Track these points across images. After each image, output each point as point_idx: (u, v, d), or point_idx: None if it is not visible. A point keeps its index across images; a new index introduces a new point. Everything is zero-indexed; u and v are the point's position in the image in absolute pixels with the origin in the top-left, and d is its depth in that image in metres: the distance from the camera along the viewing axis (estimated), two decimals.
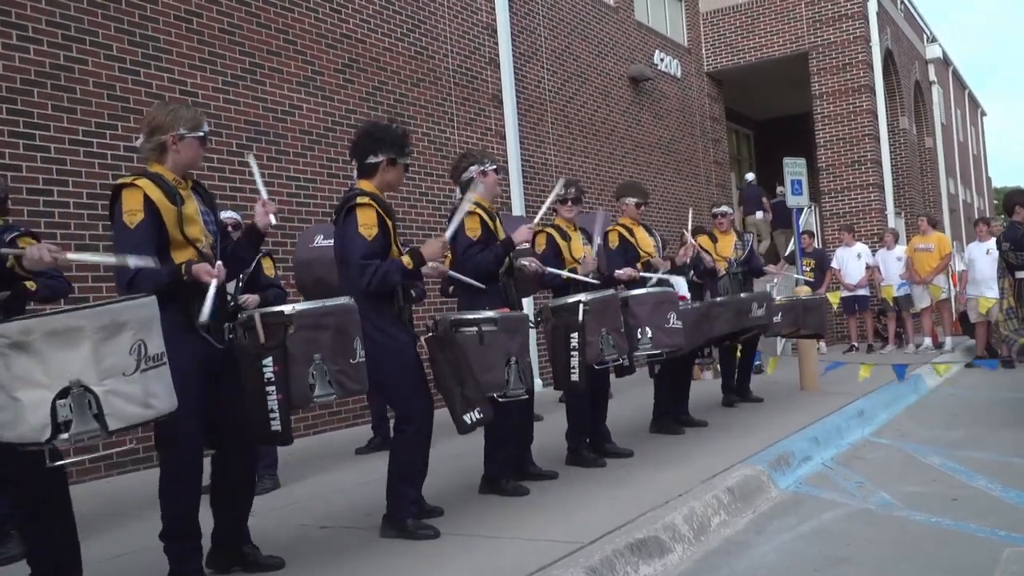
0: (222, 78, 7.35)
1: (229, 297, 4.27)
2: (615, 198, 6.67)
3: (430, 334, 4.05)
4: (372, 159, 4.07)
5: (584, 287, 5.25)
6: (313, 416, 7.69)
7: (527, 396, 4.28)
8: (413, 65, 9.35)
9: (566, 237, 5.63)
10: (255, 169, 3.87)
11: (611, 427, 5.86)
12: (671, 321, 5.57)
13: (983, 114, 36.56)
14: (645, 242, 6.39)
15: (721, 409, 7.57)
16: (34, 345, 2.54)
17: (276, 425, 3.31)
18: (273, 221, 3.65)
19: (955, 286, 11.66)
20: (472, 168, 4.85)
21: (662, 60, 14.74)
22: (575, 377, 4.84)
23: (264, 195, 3.66)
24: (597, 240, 5.61)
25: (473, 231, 4.76)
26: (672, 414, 6.69)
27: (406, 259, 3.95)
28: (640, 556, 3.68)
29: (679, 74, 15.29)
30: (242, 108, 7.49)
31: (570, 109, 12.06)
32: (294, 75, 7.99)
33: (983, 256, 10.91)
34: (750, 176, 15.90)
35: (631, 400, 7.26)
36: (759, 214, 15.07)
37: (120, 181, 3.38)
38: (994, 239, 11.26)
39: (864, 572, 3.68)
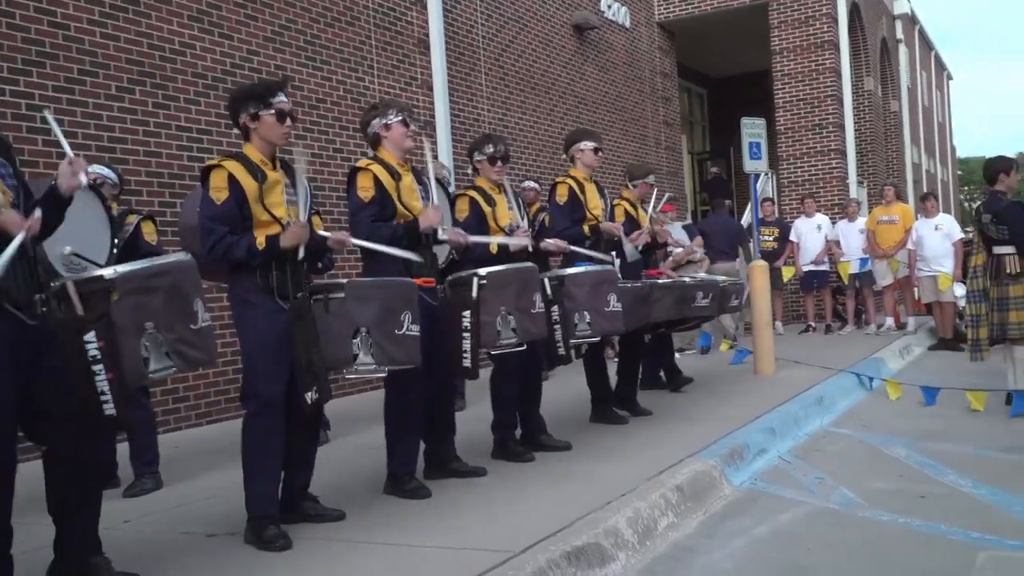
0: (99, 8, 6.92)
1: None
2: (564, 149, 6.50)
3: (290, 303, 3.95)
4: (240, 120, 4.07)
5: (514, 258, 5.12)
6: (206, 403, 7.39)
7: (382, 372, 4.15)
8: (327, 2, 9.01)
9: (491, 202, 5.43)
10: (55, 127, 3.67)
11: (547, 416, 5.73)
12: (611, 304, 5.45)
13: (949, 78, 37.40)
14: (594, 202, 6.23)
15: (665, 396, 7.50)
16: None
17: (110, 409, 3.11)
18: (83, 182, 3.42)
19: (913, 264, 11.84)
20: (374, 123, 4.72)
21: (609, 7, 14.59)
22: (467, 362, 4.69)
23: (70, 152, 3.46)
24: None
25: (365, 190, 4.58)
26: (619, 398, 6.61)
27: (261, 240, 3.90)
28: (578, 567, 3.56)
29: (628, 23, 15.16)
30: (123, 45, 7.08)
31: (506, 58, 11.83)
32: (186, 8, 7.59)
33: (932, 232, 11.13)
34: (715, 169, 16.02)
35: (570, 384, 7.14)
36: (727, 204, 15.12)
37: None
38: (942, 215, 11.51)
39: None
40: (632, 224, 7.17)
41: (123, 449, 5.11)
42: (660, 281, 6.48)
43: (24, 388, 3.15)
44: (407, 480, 4.61)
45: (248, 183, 3.91)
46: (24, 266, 3.20)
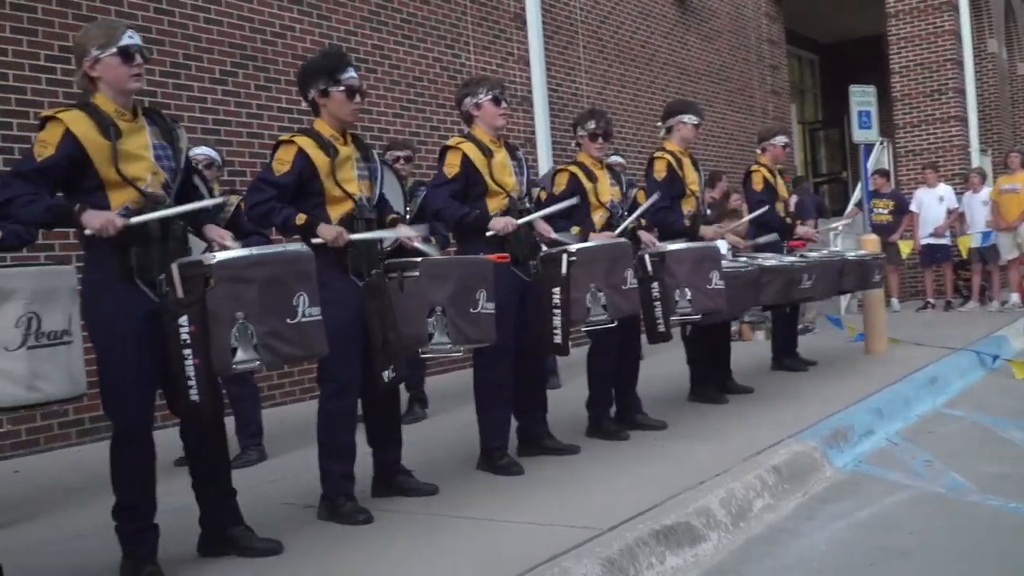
0: None
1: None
2: (662, 118, 6.36)
3: (364, 282, 3.96)
4: (309, 95, 4.07)
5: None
6: (309, 379, 7.62)
7: (458, 352, 4.24)
8: None
9: (592, 178, 5.46)
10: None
11: (643, 395, 5.74)
12: (713, 281, 5.41)
13: None
14: (691, 177, 6.14)
15: (770, 375, 7.39)
16: None
17: (195, 395, 3.16)
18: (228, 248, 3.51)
19: None
20: (466, 101, 4.77)
21: None
22: (557, 339, 4.70)
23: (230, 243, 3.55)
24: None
25: (451, 167, 4.65)
26: (715, 380, 6.55)
27: (301, 217, 3.89)
28: (667, 545, 3.57)
29: None
30: (226, 29, 7.33)
31: (604, 31, 11.75)
32: None
33: None
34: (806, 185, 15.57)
35: (668, 363, 7.11)
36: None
37: (45, 113, 3.32)
38: None
39: (928, 568, 3.55)
40: (771, 193, 7.12)
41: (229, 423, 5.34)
42: (768, 263, 6.30)
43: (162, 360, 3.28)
44: (499, 456, 4.69)
45: (319, 158, 3.91)
46: (162, 246, 3.31)
